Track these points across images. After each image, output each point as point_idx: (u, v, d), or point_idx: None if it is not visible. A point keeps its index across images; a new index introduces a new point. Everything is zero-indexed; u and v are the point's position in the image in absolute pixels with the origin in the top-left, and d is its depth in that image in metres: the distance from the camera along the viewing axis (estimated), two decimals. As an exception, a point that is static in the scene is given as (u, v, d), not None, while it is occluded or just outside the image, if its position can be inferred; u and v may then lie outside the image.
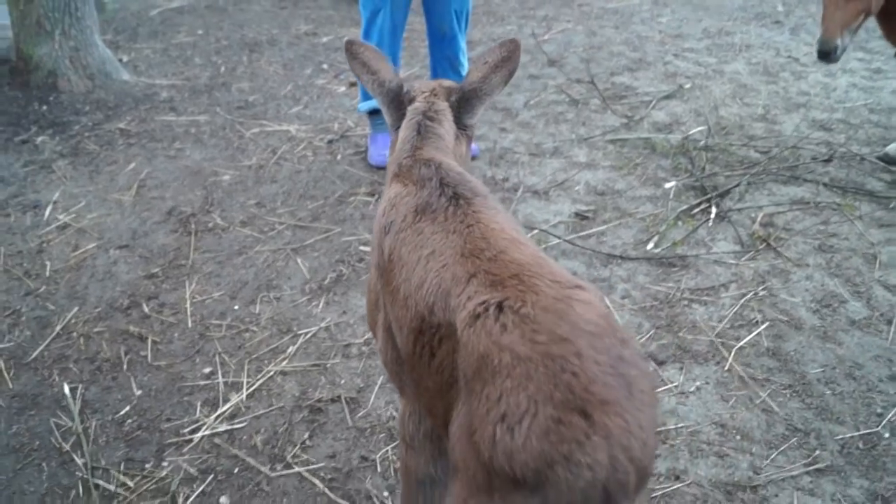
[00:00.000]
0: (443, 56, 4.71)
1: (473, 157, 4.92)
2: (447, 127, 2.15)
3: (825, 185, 4.54)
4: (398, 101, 2.24)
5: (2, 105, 6.24)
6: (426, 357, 1.64)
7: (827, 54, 4.08)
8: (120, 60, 6.94)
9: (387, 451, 2.86)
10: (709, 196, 4.35)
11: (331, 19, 8.22)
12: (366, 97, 4.92)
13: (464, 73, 4.62)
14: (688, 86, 6.01)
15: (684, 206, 4.30)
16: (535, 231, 4.12)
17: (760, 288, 3.67)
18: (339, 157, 5.09)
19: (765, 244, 3.98)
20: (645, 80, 6.19)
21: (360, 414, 3.04)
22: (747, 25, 7.50)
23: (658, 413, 1.49)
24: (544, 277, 1.54)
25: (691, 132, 5.18)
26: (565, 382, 1.34)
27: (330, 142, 5.29)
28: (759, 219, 4.19)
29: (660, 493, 2.68)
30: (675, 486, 2.70)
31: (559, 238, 4.05)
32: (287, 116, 5.76)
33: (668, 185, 4.51)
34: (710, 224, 4.15)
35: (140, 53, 7.43)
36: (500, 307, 1.47)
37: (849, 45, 4.17)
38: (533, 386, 1.35)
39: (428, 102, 2.18)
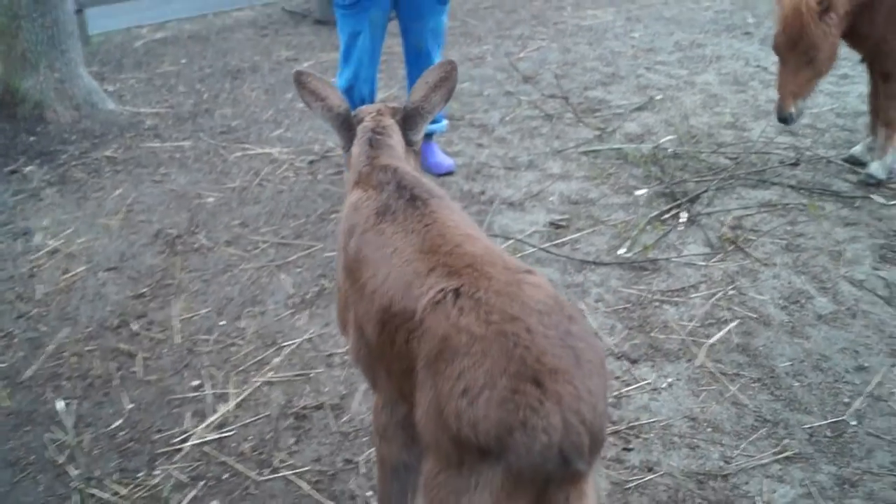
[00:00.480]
0: (419, 74, 4.82)
1: (450, 173, 5.05)
2: (397, 139, 2.31)
3: (792, 187, 4.68)
4: (347, 123, 2.39)
5: (-13, 134, 6.35)
6: (388, 345, 1.77)
7: (784, 120, 4.36)
8: (105, 91, 7.06)
9: (370, 453, 2.96)
10: (679, 202, 4.49)
11: (311, 45, 8.37)
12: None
13: (439, 90, 4.78)
14: (659, 97, 6.16)
15: (655, 213, 4.43)
16: (511, 241, 4.25)
17: (730, 287, 3.80)
18: (319, 176, 5.21)
19: (733, 246, 4.11)
20: (618, 93, 6.34)
21: (343, 419, 3.15)
22: (718, 38, 7.68)
23: (607, 381, 1.62)
24: (496, 265, 1.68)
25: (662, 141, 5.32)
26: (518, 356, 1.48)
27: (311, 162, 5.43)
28: (727, 222, 4.33)
29: (634, 484, 2.79)
30: (648, 478, 2.81)
31: (534, 247, 4.18)
32: (269, 139, 5.88)
33: (638, 193, 4.65)
34: (681, 228, 4.29)
35: (125, 83, 7.57)
36: (456, 293, 1.60)
37: (804, 108, 4.44)
38: (489, 361, 1.49)
39: (375, 120, 2.33)
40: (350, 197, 2.12)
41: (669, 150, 5.11)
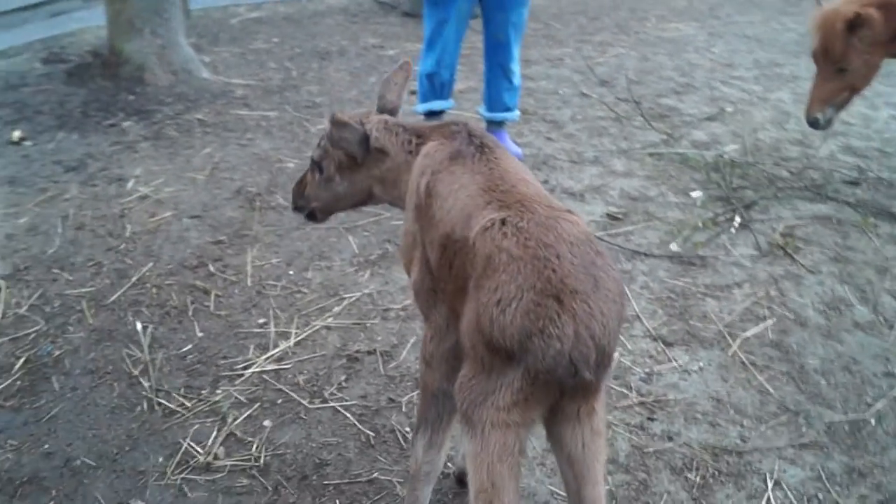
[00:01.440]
0: (496, 63, 5.11)
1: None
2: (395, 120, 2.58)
3: (849, 204, 4.80)
4: (365, 139, 2.51)
5: (94, 93, 6.82)
6: (446, 268, 2.03)
7: (811, 124, 4.53)
8: (201, 60, 7.47)
9: (412, 396, 3.22)
10: (734, 207, 4.65)
11: (397, 35, 8.68)
12: (423, 100, 5.32)
13: (514, 80, 5.04)
14: (730, 110, 6.30)
15: (710, 214, 4.60)
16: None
17: (772, 288, 3.96)
18: (394, 153, 5.50)
19: (782, 251, 4.26)
20: (690, 102, 6.50)
21: (391, 365, 3.42)
22: (797, 59, 7.75)
23: (622, 308, 1.85)
24: (541, 204, 1.94)
25: (726, 150, 5.47)
26: (546, 276, 1.74)
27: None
28: (779, 229, 4.47)
29: (652, 449, 2.99)
30: (667, 446, 3.01)
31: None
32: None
33: (695, 195, 4.82)
34: (733, 231, 4.45)
35: (219, 56, 7.98)
36: (503, 222, 1.87)
37: (834, 116, 4.60)
38: (521, 278, 1.75)
39: (381, 123, 2.53)
40: (423, 149, 2.34)
41: (732, 159, 5.25)
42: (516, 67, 5.13)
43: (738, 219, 4.53)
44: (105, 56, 7.32)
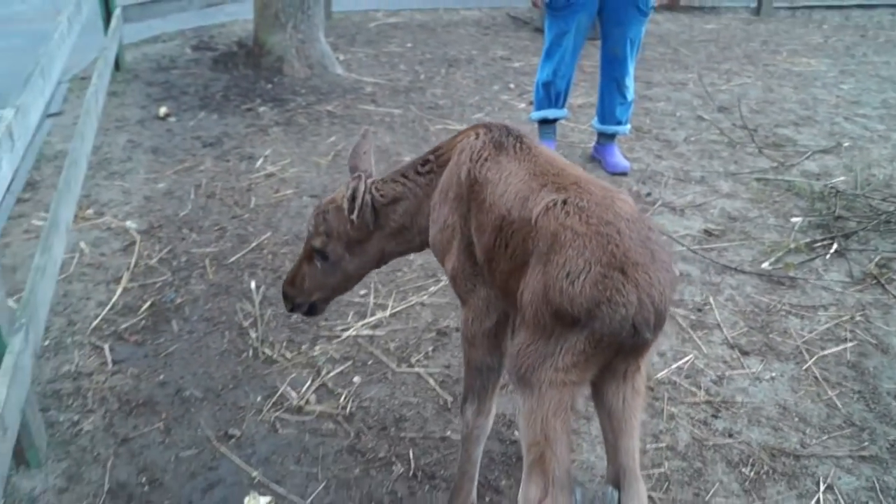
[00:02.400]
0: (611, 77, 5.31)
1: (623, 173, 5.47)
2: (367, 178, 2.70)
3: (953, 245, 4.77)
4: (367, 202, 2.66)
5: (236, 80, 7.37)
6: (502, 248, 2.23)
7: None
8: (337, 58, 7.94)
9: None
10: (833, 235, 4.69)
11: (526, 48, 8.96)
12: (538, 108, 5.57)
13: (628, 95, 5.23)
14: (847, 144, 6.29)
15: (807, 239, 4.67)
16: (664, 237, 4.62)
17: (858, 314, 4.01)
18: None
19: (875, 281, 4.30)
20: (807, 135, 6.51)
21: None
22: (930, 103, 7.63)
23: (674, 277, 2.05)
24: (595, 185, 2.16)
25: (835, 180, 5.49)
26: (610, 250, 1.94)
27: (501, 144, 5.98)
28: (875, 260, 4.50)
29: (712, 443, 3.14)
30: (727, 441, 3.15)
31: (683, 245, 4.54)
32: (469, 120, 6.50)
33: (794, 220, 4.89)
34: (828, 257, 4.50)
35: (354, 56, 8.45)
36: (564, 202, 2.08)
37: None
38: (588, 252, 1.95)
39: (365, 181, 2.63)
40: (457, 148, 2.48)
41: (839, 190, 5.27)
42: (630, 83, 5.33)
43: (835, 246, 4.58)
44: (249, 47, 7.89)
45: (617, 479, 2.21)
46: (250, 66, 7.62)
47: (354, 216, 2.61)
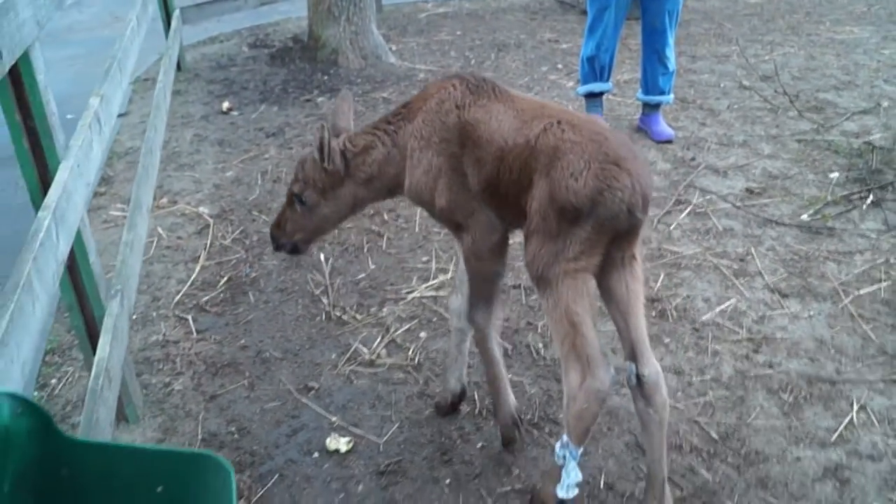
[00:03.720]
0: (652, 49, 5.54)
1: (668, 141, 5.69)
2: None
3: None
4: (343, 154, 2.90)
5: (293, 73, 7.74)
6: (506, 173, 2.52)
7: None
8: (389, 48, 8.26)
9: (546, 322, 3.74)
10: (870, 187, 4.86)
11: (573, 31, 9.17)
12: (584, 82, 5.82)
13: (669, 65, 5.45)
14: (886, 104, 6.40)
15: (845, 192, 4.85)
16: (708, 196, 4.85)
17: (893, 257, 4.19)
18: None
19: (912, 228, 4.47)
20: (848, 98, 6.63)
21: (532, 297, 3.95)
22: (973, 62, 7.67)
23: (650, 171, 2.43)
24: (574, 112, 2.57)
25: (873, 137, 5.63)
26: (603, 150, 2.32)
27: (549, 120, 6.25)
28: (913, 209, 4.66)
29: (753, 374, 3.38)
30: (767, 372, 3.38)
31: (725, 201, 4.76)
32: (517, 99, 6.76)
33: (832, 175, 5.06)
34: (864, 208, 4.68)
35: (406, 45, 8.76)
36: (559, 122, 2.43)
37: None
38: (587, 154, 2.32)
39: (344, 137, 2.92)
40: (431, 100, 2.74)
41: (878, 146, 5.41)
42: (671, 54, 5.54)
43: (871, 197, 4.75)
44: (304, 41, 8.25)
45: (632, 354, 2.54)
46: (306, 60, 7.99)
47: (326, 164, 2.85)
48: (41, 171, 2.51)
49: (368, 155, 2.86)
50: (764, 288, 3.97)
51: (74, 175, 2.47)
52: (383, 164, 2.86)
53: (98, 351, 2.66)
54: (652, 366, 2.54)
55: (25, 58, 2.35)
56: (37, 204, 2.50)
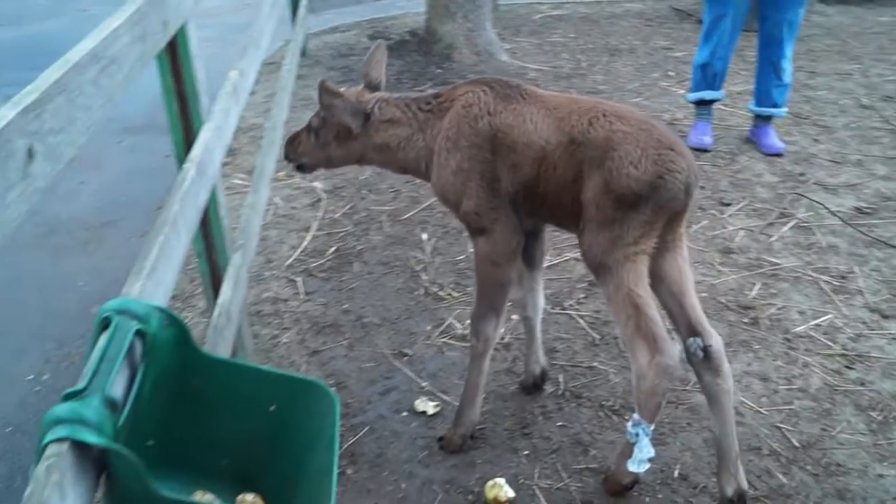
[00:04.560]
0: (768, 60, 5.51)
1: (778, 154, 5.65)
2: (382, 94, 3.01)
3: None
4: (360, 109, 2.95)
5: (408, 65, 7.96)
6: (551, 171, 2.60)
7: None
8: (503, 47, 8.40)
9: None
10: None
11: (688, 39, 9.12)
12: (695, 89, 5.83)
13: (784, 77, 5.41)
14: None
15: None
16: (813, 213, 4.82)
17: None
18: (662, 136, 6.05)
19: None
20: (973, 125, 6.45)
21: (625, 290, 4.02)
22: None
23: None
24: (608, 102, 2.63)
25: None
26: (656, 137, 2.45)
27: (658, 125, 6.28)
28: None
29: (843, 389, 3.39)
30: (857, 389, 3.41)
31: (834, 215, 4.74)
32: (627, 104, 6.79)
33: (950, 200, 4.97)
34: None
35: (519, 45, 8.88)
36: (604, 114, 2.52)
37: None
38: (641, 143, 2.44)
39: (372, 97, 2.98)
40: (457, 104, 2.78)
41: None
42: (787, 66, 5.51)
43: None
44: (421, 35, 8.47)
45: (691, 331, 2.65)
46: (422, 53, 8.19)
47: (325, 103, 2.91)
48: (186, 130, 2.75)
49: (392, 128, 2.93)
50: (864, 307, 3.95)
51: (215, 136, 2.71)
52: (403, 142, 2.93)
53: (221, 295, 2.89)
54: (715, 337, 2.65)
55: (182, 30, 2.60)
56: (180, 159, 2.74)
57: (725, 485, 2.73)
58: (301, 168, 3.26)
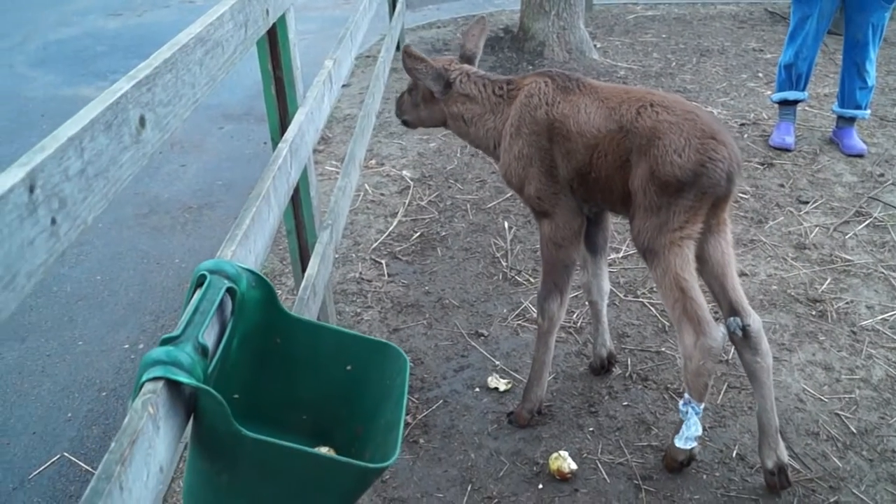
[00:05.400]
0: (852, 62, 5.53)
1: (860, 156, 5.66)
2: (472, 69, 3.19)
3: None
4: (443, 76, 3.15)
5: (501, 61, 8.15)
6: (601, 158, 2.74)
7: None
8: (594, 45, 8.52)
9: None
10: None
11: (780, 41, 9.04)
12: (780, 89, 5.88)
13: (868, 80, 5.43)
14: None
15: None
16: (889, 212, 4.85)
17: None
18: (745, 135, 6.11)
19: None
20: None
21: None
22: None
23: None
24: (659, 93, 2.73)
25: None
26: (699, 127, 2.56)
27: (742, 125, 6.33)
28: None
29: (852, 375, 3.46)
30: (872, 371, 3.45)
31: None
32: (714, 103, 6.88)
33: None
34: None
35: (611, 44, 8.98)
36: (651, 104, 2.64)
37: None
38: (685, 132, 2.55)
39: (458, 69, 3.16)
40: (521, 93, 2.98)
41: None
42: (871, 68, 5.51)
43: None
44: (514, 32, 8.65)
45: (732, 311, 2.78)
46: (514, 50, 8.38)
47: (407, 67, 3.14)
48: (282, 113, 3.01)
49: (469, 102, 3.15)
50: (912, 304, 4.00)
51: (308, 119, 2.96)
52: (476, 118, 3.15)
53: (308, 269, 3.15)
54: (754, 317, 2.78)
55: (282, 19, 2.85)
56: (275, 140, 3.01)
57: (766, 458, 2.89)
58: (406, 123, 3.53)
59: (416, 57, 3.14)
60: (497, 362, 3.67)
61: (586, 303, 4.00)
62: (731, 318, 2.78)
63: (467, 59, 3.28)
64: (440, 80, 3.16)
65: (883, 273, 4.25)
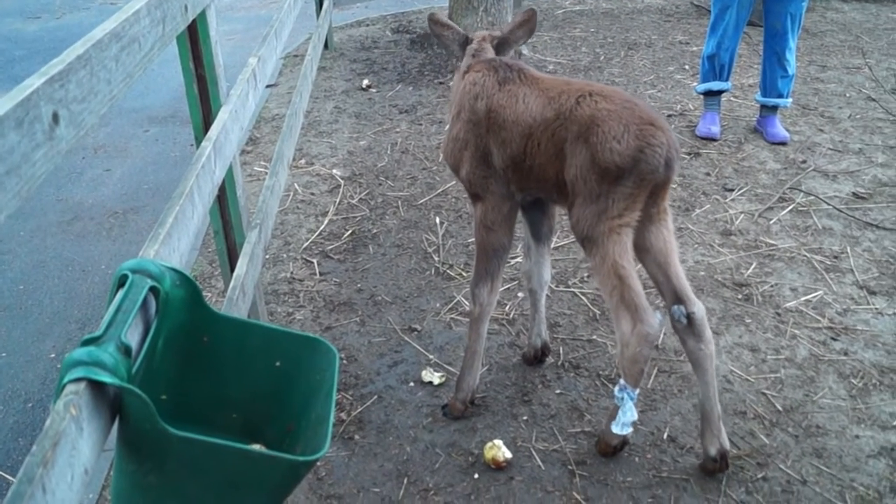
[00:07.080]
0: (773, 51, 5.68)
1: (782, 143, 5.82)
2: (490, 54, 3.25)
3: None
4: (463, 45, 3.32)
5: (430, 58, 8.19)
6: (536, 146, 2.79)
7: None
8: (521, 40, 8.59)
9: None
10: (983, 201, 4.90)
11: (705, 34, 9.26)
12: (703, 80, 6.01)
13: (789, 69, 5.58)
14: None
15: (956, 204, 4.90)
16: (811, 196, 4.99)
17: None
18: (672, 126, 6.20)
19: None
20: (980, 115, 6.57)
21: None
22: None
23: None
24: (594, 83, 2.77)
25: None
26: (637, 114, 2.59)
27: (669, 116, 6.46)
28: None
29: (828, 359, 3.57)
30: (841, 358, 3.57)
31: (828, 204, 4.89)
32: (642, 95, 7.00)
33: (945, 185, 5.11)
34: (973, 220, 4.73)
35: (540, 39, 9.07)
36: (590, 94, 2.68)
37: None
38: (624, 119, 2.58)
39: (479, 43, 3.29)
40: (465, 79, 3.07)
41: None
42: (791, 57, 5.67)
43: (983, 211, 4.79)
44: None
45: (676, 299, 2.82)
46: (443, 46, 8.41)
47: (434, 32, 3.37)
48: (205, 112, 2.98)
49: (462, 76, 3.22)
50: (853, 284, 4.13)
51: (232, 118, 2.93)
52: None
53: (236, 269, 3.12)
54: (698, 305, 2.82)
55: (203, 15, 2.82)
56: (199, 139, 2.98)
57: (709, 445, 2.94)
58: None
59: (441, 23, 3.32)
60: (431, 356, 3.69)
61: (518, 294, 4.07)
62: (676, 307, 2.82)
63: (501, 43, 3.33)
64: (458, 48, 3.35)
65: (805, 256, 4.38)
